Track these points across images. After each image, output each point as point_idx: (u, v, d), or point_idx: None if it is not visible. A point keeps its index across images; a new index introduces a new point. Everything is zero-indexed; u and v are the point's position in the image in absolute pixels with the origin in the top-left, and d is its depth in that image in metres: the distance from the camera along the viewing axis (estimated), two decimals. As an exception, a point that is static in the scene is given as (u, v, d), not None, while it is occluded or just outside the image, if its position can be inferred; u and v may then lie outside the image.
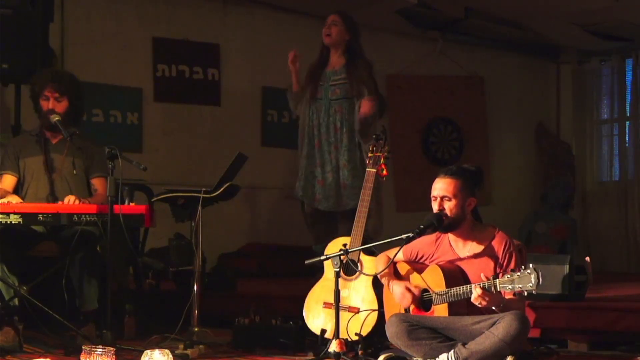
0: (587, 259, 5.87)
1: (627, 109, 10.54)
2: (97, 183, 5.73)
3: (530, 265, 4.23)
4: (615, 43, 10.25)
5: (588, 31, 9.91)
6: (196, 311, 5.54)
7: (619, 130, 10.68)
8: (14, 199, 5.40)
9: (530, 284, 4.19)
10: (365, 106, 6.66)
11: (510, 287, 4.26)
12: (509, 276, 4.28)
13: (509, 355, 4.33)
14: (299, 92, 6.94)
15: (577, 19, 9.54)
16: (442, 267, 4.65)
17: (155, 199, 5.76)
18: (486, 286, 4.33)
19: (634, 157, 10.40)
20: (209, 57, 8.85)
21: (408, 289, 4.74)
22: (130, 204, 5.39)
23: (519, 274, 4.24)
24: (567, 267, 5.48)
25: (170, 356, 4.36)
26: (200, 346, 5.19)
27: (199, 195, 5.55)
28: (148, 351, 4.35)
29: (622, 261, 10.33)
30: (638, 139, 10.35)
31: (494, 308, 4.40)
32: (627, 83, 10.56)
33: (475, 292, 4.33)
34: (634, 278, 8.65)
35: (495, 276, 4.34)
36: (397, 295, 4.79)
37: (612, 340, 5.29)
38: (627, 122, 10.55)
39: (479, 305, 4.36)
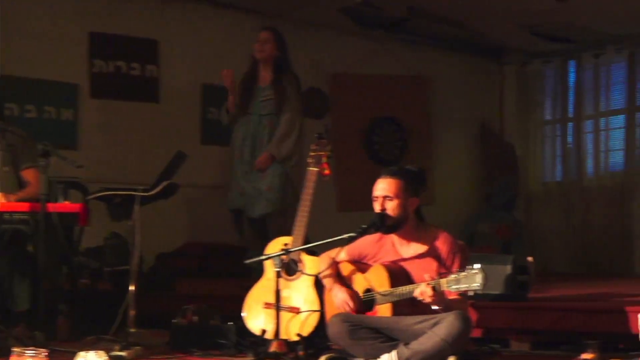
0: (530, 259, 5.87)
1: (570, 110, 10.64)
2: (27, 175, 5.60)
3: (478, 264, 4.19)
4: (558, 45, 10.34)
5: (531, 32, 9.97)
6: (132, 312, 5.47)
7: (561, 131, 10.76)
8: None
9: (477, 284, 4.17)
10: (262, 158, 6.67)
11: (456, 286, 4.23)
12: (455, 275, 4.25)
13: (451, 355, 4.31)
14: (235, 113, 6.87)
15: (520, 20, 9.60)
16: (386, 267, 4.63)
17: (90, 197, 5.69)
18: (431, 285, 4.29)
19: (576, 158, 10.48)
20: (148, 53, 8.73)
21: (347, 303, 4.70)
22: (65, 202, 5.29)
23: (465, 273, 4.21)
24: (509, 267, 5.51)
25: (106, 357, 4.29)
26: (137, 347, 5.11)
27: (136, 193, 5.46)
28: (82, 352, 4.29)
29: (564, 261, 10.40)
30: (580, 140, 10.44)
31: (435, 307, 4.36)
32: (570, 84, 10.68)
33: (420, 287, 4.28)
34: (576, 278, 8.73)
35: (441, 275, 4.30)
36: (338, 302, 4.76)
37: (554, 340, 5.29)
38: (570, 123, 10.65)
39: (423, 300, 4.32)
